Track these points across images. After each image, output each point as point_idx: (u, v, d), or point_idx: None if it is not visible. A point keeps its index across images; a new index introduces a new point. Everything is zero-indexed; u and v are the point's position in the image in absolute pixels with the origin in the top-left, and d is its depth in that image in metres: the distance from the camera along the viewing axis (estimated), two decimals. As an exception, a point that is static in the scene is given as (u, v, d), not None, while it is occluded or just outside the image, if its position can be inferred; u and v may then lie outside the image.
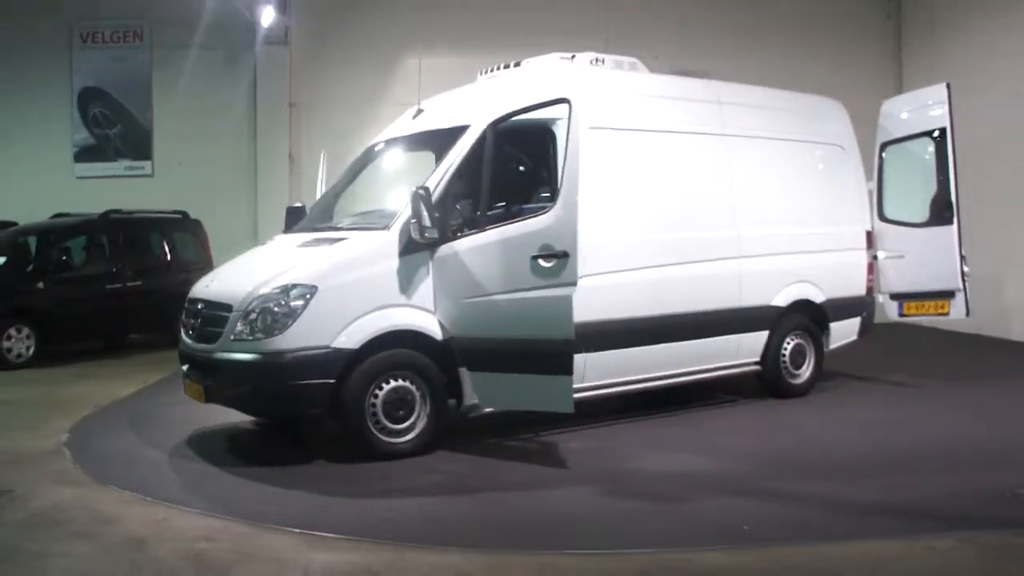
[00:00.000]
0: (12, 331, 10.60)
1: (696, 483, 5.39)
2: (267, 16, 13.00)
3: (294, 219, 7.46)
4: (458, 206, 6.34)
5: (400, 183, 7.09)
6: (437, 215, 6.02)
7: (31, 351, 10.73)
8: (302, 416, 6.26)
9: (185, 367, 6.52)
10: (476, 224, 6.12)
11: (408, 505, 5.10)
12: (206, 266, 11.09)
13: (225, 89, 14.59)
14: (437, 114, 7.12)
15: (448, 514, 4.95)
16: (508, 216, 6.21)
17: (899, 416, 7.40)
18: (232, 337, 5.95)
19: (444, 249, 6.10)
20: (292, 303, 5.81)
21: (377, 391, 5.96)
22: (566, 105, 5.78)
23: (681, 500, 5.06)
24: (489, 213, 6.27)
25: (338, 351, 5.83)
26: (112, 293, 11.55)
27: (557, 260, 5.60)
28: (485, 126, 6.19)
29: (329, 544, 4.42)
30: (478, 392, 6.12)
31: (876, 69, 15.29)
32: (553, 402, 5.77)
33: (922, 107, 8.42)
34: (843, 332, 8.59)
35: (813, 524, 4.60)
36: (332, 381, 5.82)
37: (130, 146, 14.70)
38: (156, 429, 7.09)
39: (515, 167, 7.20)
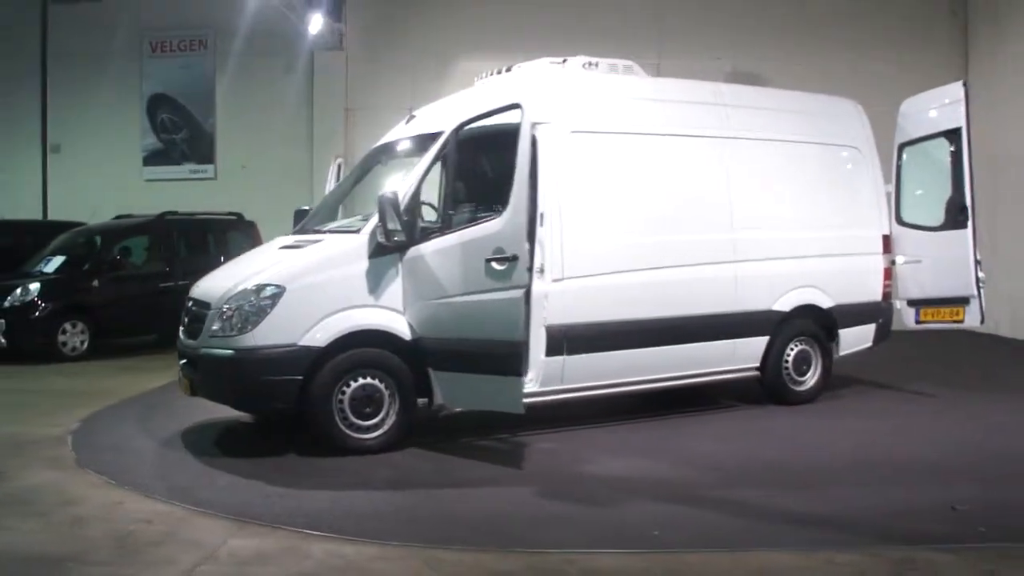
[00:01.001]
0: (67, 326, 11.32)
1: (638, 488, 5.39)
2: (315, 23, 13.40)
3: (300, 221, 7.75)
4: (431, 209, 6.50)
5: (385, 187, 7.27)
6: (406, 219, 6.18)
7: (85, 345, 11.43)
8: (273, 410, 6.49)
9: (181, 362, 6.88)
10: (441, 228, 6.26)
11: (351, 497, 5.27)
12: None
13: (283, 95, 15.17)
14: (425, 120, 7.29)
15: (383, 507, 5.08)
16: (472, 220, 6.32)
17: (896, 427, 7.18)
18: (210, 334, 6.26)
19: (412, 252, 6.25)
20: (262, 302, 6.07)
21: (345, 388, 6.15)
22: (519, 111, 5.82)
23: (612, 504, 5.07)
24: (457, 217, 6.41)
25: (306, 349, 6.06)
26: (164, 291, 12.07)
27: (508, 263, 5.68)
28: (448, 132, 6.32)
29: (250, 530, 4.63)
30: (442, 391, 6.26)
31: (940, 68, 14.64)
32: (505, 403, 5.86)
33: (939, 106, 8.12)
34: (855, 339, 8.35)
35: (729, 532, 4.54)
36: (300, 377, 6.04)
37: (195, 150, 15.43)
38: (160, 420, 7.46)
39: (488, 171, 7.28)
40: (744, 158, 7.71)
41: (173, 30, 15.25)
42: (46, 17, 14.96)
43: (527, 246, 5.70)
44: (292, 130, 15.21)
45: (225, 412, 6.93)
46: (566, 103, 7.02)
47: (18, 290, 11.19)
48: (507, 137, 6.80)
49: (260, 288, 6.12)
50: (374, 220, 6.22)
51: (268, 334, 6.04)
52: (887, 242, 8.43)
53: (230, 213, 13.47)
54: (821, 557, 4.08)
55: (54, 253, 12.17)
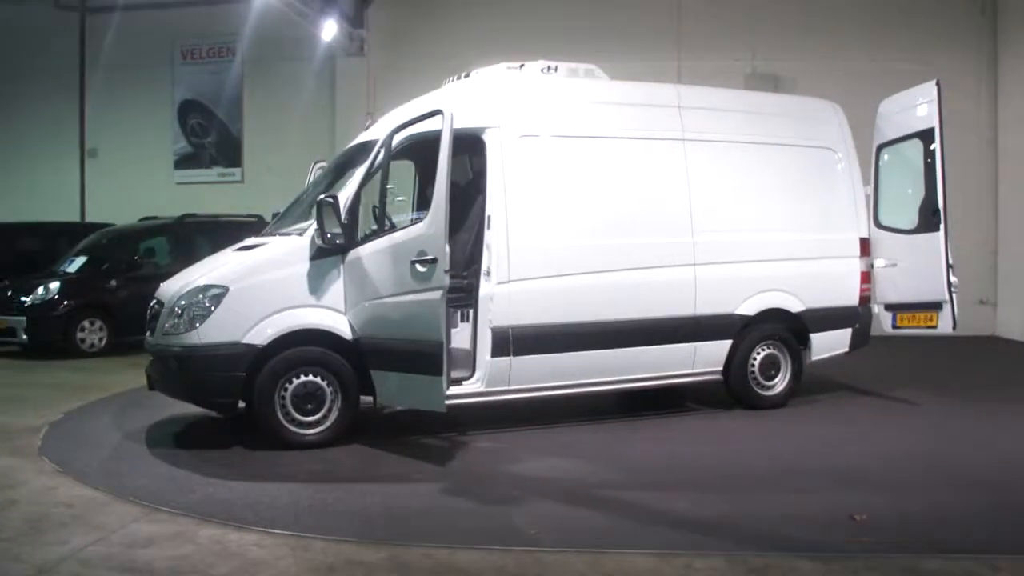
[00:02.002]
0: (86, 323, 11.84)
1: (546, 488, 5.43)
2: (329, 30, 13.71)
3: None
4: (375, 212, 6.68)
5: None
6: (346, 222, 6.36)
7: (103, 342, 11.93)
8: (221, 406, 6.70)
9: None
10: (377, 231, 6.43)
11: (267, 489, 5.42)
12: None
13: (308, 100, 15.55)
14: (380, 126, 7.45)
15: (292, 498, 5.21)
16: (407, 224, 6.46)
17: (856, 434, 7.06)
18: (163, 331, 6.55)
19: (352, 254, 6.42)
20: (206, 302, 6.32)
21: (287, 385, 6.35)
22: (440, 117, 5.92)
23: (510, 502, 5.13)
24: (397, 220, 6.57)
25: (248, 347, 6.28)
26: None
27: (429, 265, 5.80)
28: (383, 139, 6.47)
29: (156, 517, 4.84)
30: (378, 390, 6.40)
31: (968, 68, 14.30)
32: (428, 401, 5.98)
33: (913, 107, 7.96)
34: (829, 344, 8.21)
35: (608, 533, 4.55)
36: (242, 374, 6.28)
37: (223, 154, 15.95)
38: (136, 414, 7.75)
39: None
40: (705, 161, 7.66)
41: (202, 38, 15.78)
42: (84, 27, 15.62)
43: (447, 249, 5.80)
44: (316, 134, 15.54)
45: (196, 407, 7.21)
46: (515, 108, 7.10)
47: (40, 289, 11.76)
48: (467, 142, 7.02)
49: (206, 288, 6.38)
50: (315, 223, 6.42)
51: (212, 332, 6.28)
52: (865, 245, 8.27)
53: (250, 215, 13.85)
54: (680, 561, 4.08)
55: (79, 254, 12.73)
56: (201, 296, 6.36)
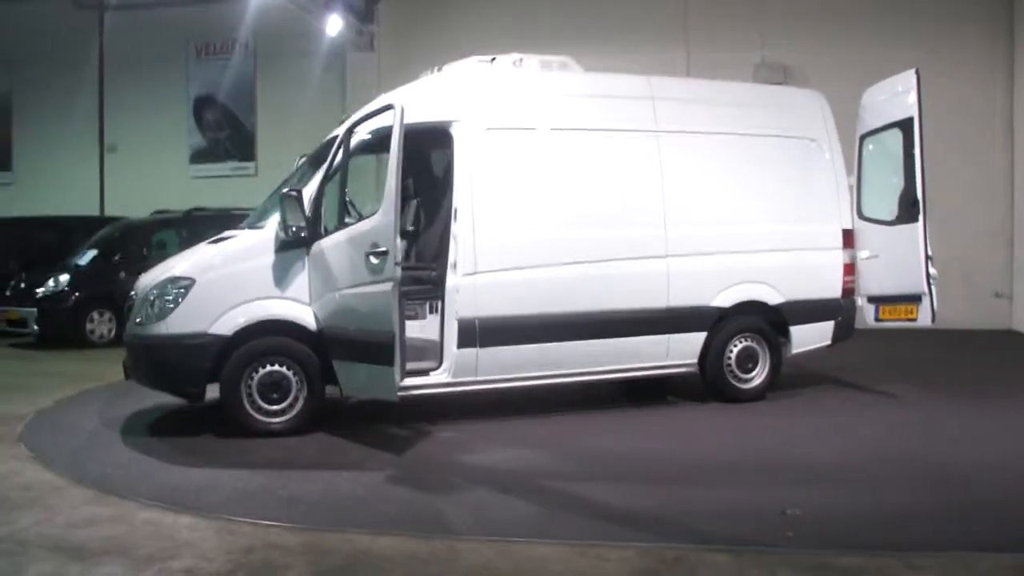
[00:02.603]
0: (95, 314, 12.16)
1: (492, 478, 5.48)
2: (333, 25, 13.84)
3: None
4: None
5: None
6: (309, 215, 6.48)
7: (112, 333, 12.24)
8: (183, 394, 6.86)
9: None
10: (338, 225, 6.52)
11: (218, 475, 5.57)
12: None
13: (319, 94, 15.72)
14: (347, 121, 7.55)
15: (238, 484, 5.34)
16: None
17: (829, 426, 6.98)
18: (136, 321, 6.73)
19: (316, 246, 6.53)
20: (174, 293, 6.48)
21: (254, 374, 6.49)
22: (391, 112, 5.99)
23: (449, 491, 5.21)
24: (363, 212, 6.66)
25: (214, 336, 6.43)
26: None
27: (381, 257, 5.87)
28: (342, 134, 6.58)
29: (105, 501, 5.01)
30: (340, 379, 6.50)
31: (984, 54, 14.02)
32: (381, 391, 6.07)
33: (894, 95, 7.84)
34: (809, 336, 8.12)
35: (530, 522, 4.56)
36: (208, 364, 6.43)
37: (237, 148, 16.21)
38: (120, 403, 7.84)
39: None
40: (679, 152, 7.63)
41: (216, 34, 16.03)
42: (103, 25, 15.97)
43: (397, 241, 5.87)
44: (328, 128, 15.57)
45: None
46: (481, 101, 7.16)
47: (50, 282, 12.09)
48: (432, 136, 7.11)
49: (174, 280, 6.54)
50: (277, 216, 6.55)
51: (179, 323, 6.44)
52: (848, 237, 8.16)
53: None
54: (593, 552, 4.09)
55: (91, 247, 13.05)
56: (170, 287, 6.52)
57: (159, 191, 15.60)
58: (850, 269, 8.19)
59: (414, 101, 7.14)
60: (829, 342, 8.25)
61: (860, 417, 7.38)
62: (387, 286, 5.81)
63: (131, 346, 6.84)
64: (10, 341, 12.43)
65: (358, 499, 5.08)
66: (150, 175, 16.06)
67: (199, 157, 16.20)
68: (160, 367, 6.56)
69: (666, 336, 7.53)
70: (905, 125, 7.63)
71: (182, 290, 6.47)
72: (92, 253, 12.79)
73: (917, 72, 7.59)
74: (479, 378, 7.00)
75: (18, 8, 15.63)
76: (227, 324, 6.45)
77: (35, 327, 11.99)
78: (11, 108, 17.00)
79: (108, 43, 16.09)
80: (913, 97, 7.54)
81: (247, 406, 6.50)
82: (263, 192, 14.61)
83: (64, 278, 12.14)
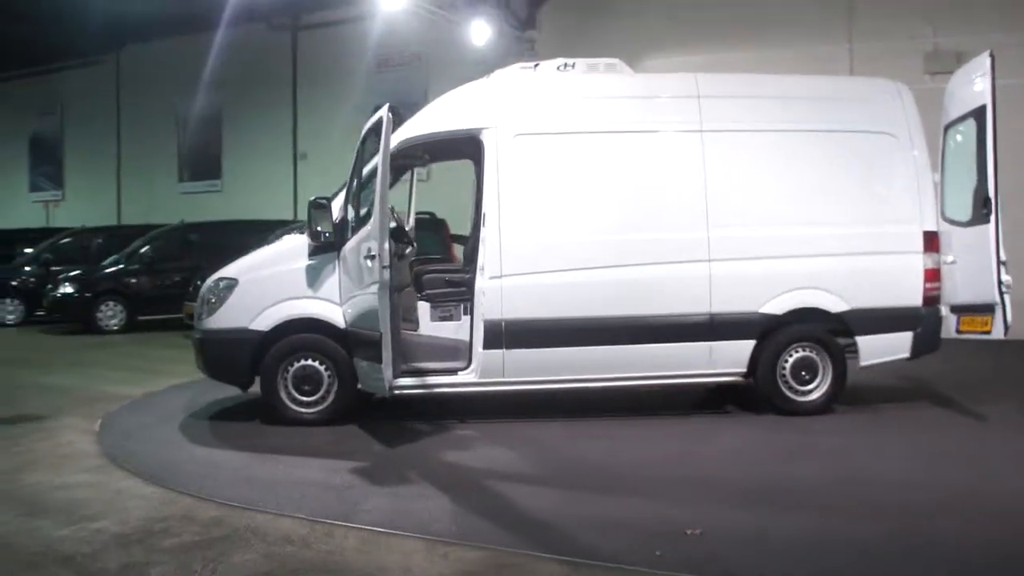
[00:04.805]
0: (103, 307, 14.14)
1: (452, 476, 5.67)
2: (480, 34, 14.35)
3: None
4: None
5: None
6: (336, 221, 7.00)
7: (123, 321, 14.20)
8: (231, 382, 7.58)
9: None
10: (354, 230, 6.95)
11: (218, 455, 6.30)
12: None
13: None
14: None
15: (228, 464, 6.02)
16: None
17: (867, 447, 6.43)
18: (196, 317, 7.60)
19: (343, 251, 7.03)
20: (221, 292, 7.26)
21: (289, 368, 7.12)
22: (382, 120, 6.35)
23: (393, 484, 5.47)
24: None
25: (253, 332, 7.12)
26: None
27: (374, 261, 6.24)
28: (359, 144, 7.04)
29: (108, 471, 5.83)
30: (358, 375, 6.95)
31: None
32: (376, 385, 6.45)
33: (970, 82, 7.07)
34: (882, 348, 7.45)
35: (435, 520, 4.72)
36: (248, 356, 7.13)
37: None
38: (212, 391, 8.39)
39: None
40: (726, 152, 7.33)
41: (393, 47, 17.12)
42: (295, 44, 17.62)
43: (386, 246, 6.20)
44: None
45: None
46: (512, 108, 7.32)
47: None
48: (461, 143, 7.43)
49: (220, 280, 7.32)
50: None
51: (224, 319, 7.21)
52: (932, 239, 7.41)
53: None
54: (443, 550, 4.22)
55: (141, 246, 14.98)
56: (218, 287, 7.30)
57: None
58: (933, 275, 7.43)
59: (450, 110, 7.54)
60: (908, 355, 7.53)
61: (914, 439, 6.72)
62: (376, 288, 6.17)
63: (193, 339, 7.69)
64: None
65: (302, 484, 5.48)
66: (337, 181, 17.32)
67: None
68: (210, 358, 7.36)
69: (708, 344, 7.27)
70: (979, 115, 6.85)
71: (227, 289, 7.22)
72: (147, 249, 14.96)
73: (991, 55, 6.79)
74: (507, 379, 7.18)
75: (223, 34, 17.62)
76: (265, 321, 7.12)
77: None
78: (222, 123, 19.19)
79: (300, 60, 17.72)
80: (986, 83, 6.76)
81: (284, 397, 7.13)
82: (432, 193, 15.67)
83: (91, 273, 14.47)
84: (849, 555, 4.22)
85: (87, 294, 14.33)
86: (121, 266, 14.75)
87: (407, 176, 9.28)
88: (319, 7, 17.10)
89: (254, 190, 18.11)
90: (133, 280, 14.46)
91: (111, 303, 14.39)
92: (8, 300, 15.82)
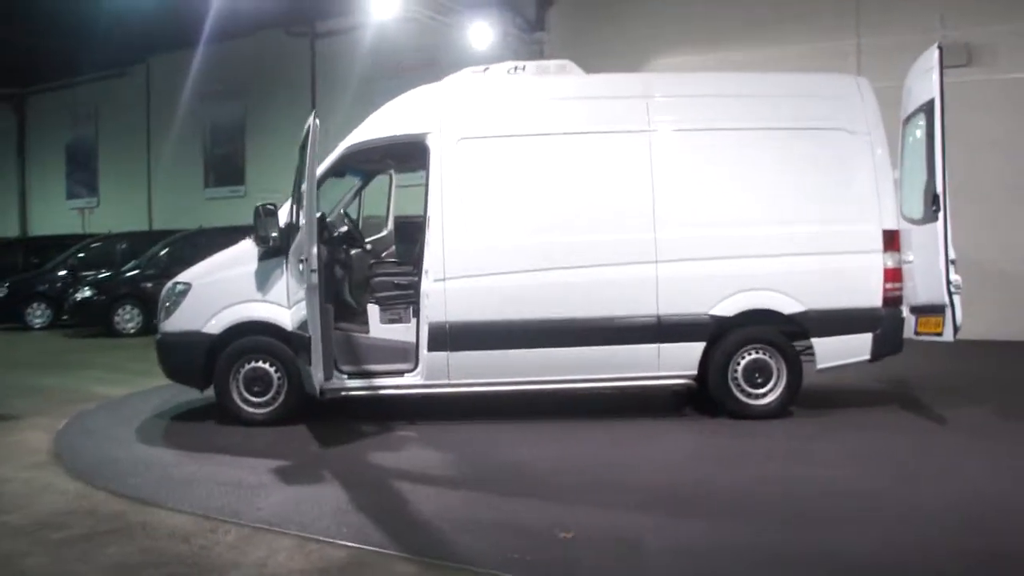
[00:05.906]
0: (121, 310, 14.56)
1: (364, 475, 5.80)
2: (481, 36, 14.40)
3: None
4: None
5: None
6: (283, 226, 7.13)
7: (139, 325, 14.56)
8: (187, 383, 7.73)
9: None
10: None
11: (157, 455, 6.49)
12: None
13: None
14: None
15: (160, 463, 6.18)
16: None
17: (807, 451, 6.32)
18: (157, 321, 7.80)
19: (289, 254, 7.13)
20: (175, 296, 7.45)
21: (240, 369, 7.28)
22: (309, 128, 6.44)
23: (304, 484, 5.60)
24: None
25: (206, 335, 7.29)
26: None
27: (305, 265, 6.34)
28: (299, 149, 7.16)
29: (48, 466, 6.09)
30: (302, 376, 7.05)
31: None
32: (309, 386, 6.56)
33: (922, 74, 6.87)
34: (840, 350, 7.27)
35: (327, 519, 4.81)
36: (202, 358, 7.29)
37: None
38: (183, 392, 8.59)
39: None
40: (674, 152, 7.27)
41: (408, 53, 17.24)
42: (314, 51, 17.92)
43: (314, 250, 6.31)
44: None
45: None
46: (455, 112, 7.37)
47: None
48: (407, 149, 7.51)
49: (176, 284, 7.53)
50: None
51: (179, 322, 7.41)
52: (892, 238, 7.21)
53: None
54: (313, 547, 4.35)
55: (159, 251, 15.38)
56: (174, 291, 7.49)
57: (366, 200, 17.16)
58: (894, 275, 7.23)
59: (397, 115, 7.63)
60: (868, 357, 7.34)
61: (866, 442, 6.55)
62: (307, 292, 6.27)
63: (155, 342, 7.88)
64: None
65: (219, 482, 5.60)
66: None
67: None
68: (167, 360, 7.55)
69: (655, 346, 7.21)
70: (928, 109, 6.66)
71: (182, 294, 7.41)
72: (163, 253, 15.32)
73: (940, 47, 6.59)
74: (452, 381, 7.21)
75: (244, 42, 18.00)
76: (217, 324, 7.28)
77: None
78: (245, 129, 19.58)
79: (319, 66, 18.01)
80: (935, 77, 6.56)
81: (236, 398, 7.29)
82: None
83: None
84: (720, 562, 4.16)
85: (105, 298, 14.78)
86: (138, 271, 15.18)
87: (383, 180, 9.41)
88: (335, 14, 17.34)
89: (275, 195, 18.35)
90: (149, 285, 14.78)
91: (128, 307, 14.81)
92: (35, 305, 16.41)
